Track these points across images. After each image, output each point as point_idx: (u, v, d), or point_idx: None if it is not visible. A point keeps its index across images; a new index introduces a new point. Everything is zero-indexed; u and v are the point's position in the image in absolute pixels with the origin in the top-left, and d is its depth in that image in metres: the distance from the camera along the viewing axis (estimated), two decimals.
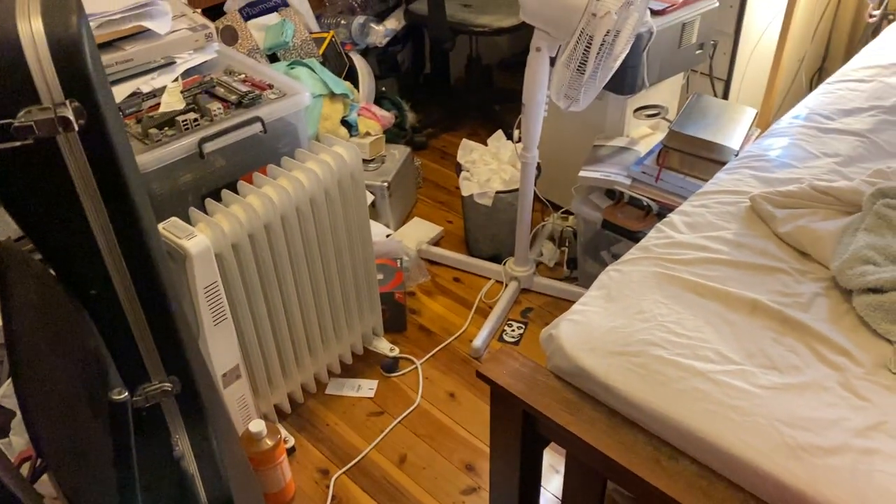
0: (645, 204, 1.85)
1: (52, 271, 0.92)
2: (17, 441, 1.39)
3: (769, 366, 1.09)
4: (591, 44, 1.60)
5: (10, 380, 1.47)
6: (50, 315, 0.93)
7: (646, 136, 2.07)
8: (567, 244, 2.26)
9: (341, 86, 2.38)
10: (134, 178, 0.89)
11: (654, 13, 1.94)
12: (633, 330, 1.16)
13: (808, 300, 1.20)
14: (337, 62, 2.59)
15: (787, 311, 1.17)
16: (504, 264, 2.20)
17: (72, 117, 0.78)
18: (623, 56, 1.70)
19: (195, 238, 1.39)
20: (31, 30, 0.76)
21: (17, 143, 0.78)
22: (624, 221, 1.86)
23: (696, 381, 1.08)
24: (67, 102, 0.78)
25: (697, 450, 1.04)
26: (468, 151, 2.29)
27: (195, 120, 1.57)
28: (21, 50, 0.75)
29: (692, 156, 1.80)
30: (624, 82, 1.92)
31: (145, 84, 1.73)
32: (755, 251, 1.30)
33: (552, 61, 1.72)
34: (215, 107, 1.61)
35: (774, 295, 1.20)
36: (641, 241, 1.37)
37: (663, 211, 1.82)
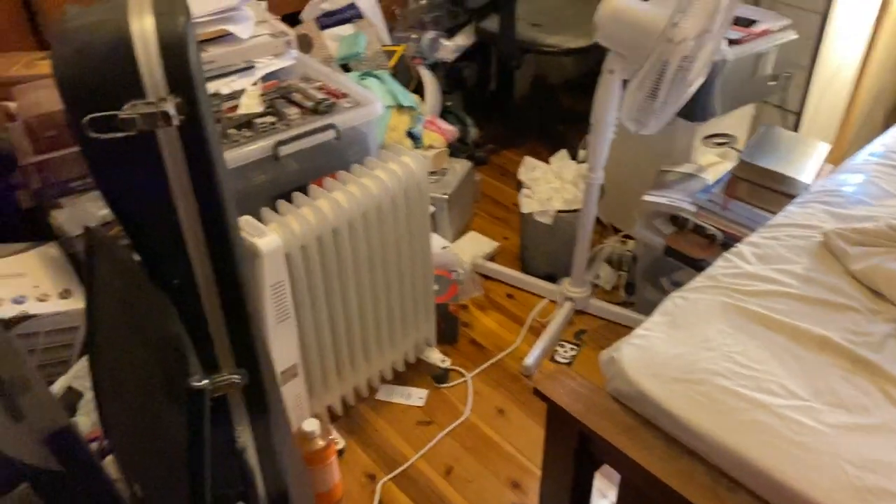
0: (710, 232, 1.83)
1: (137, 259, 0.95)
2: (84, 421, 1.44)
3: (837, 404, 1.07)
4: (665, 69, 1.60)
5: (80, 361, 1.53)
6: (132, 300, 0.97)
7: (713, 165, 2.05)
8: (625, 268, 2.25)
9: (409, 98, 2.41)
10: (223, 175, 0.93)
11: (731, 42, 1.92)
12: (698, 358, 1.15)
13: (881, 340, 1.17)
14: (406, 75, 2.63)
15: (858, 351, 1.14)
16: (560, 284, 2.20)
17: (173, 113, 0.81)
18: (697, 84, 1.70)
19: (267, 237, 1.42)
20: (143, 28, 0.80)
21: (121, 135, 0.82)
22: (687, 249, 1.84)
23: (759, 413, 1.06)
24: (170, 98, 0.82)
25: (757, 483, 1.02)
26: (530, 169, 2.30)
27: (272, 123, 1.62)
28: (132, 46, 0.80)
29: (762, 187, 1.78)
30: (695, 109, 1.91)
31: (225, 86, 1.79)
32: (826, 287, 1.28)
33: (624, 84, 1.72)
34: (292, 112, 1.65)
35: (845, 333, 1.18)
36: (708, 269, 1.36)
37: (728, 241, 1.80)
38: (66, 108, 0.82)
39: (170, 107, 0.81)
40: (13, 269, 1.59)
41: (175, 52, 0.81)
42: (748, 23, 2.00)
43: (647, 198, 1.93)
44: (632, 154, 2.23)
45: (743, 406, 1.07)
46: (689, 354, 1.16)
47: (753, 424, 1.04)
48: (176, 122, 0.82)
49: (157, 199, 0.88)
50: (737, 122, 2.16)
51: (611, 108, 1.76)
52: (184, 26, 0.81)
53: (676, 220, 1.92)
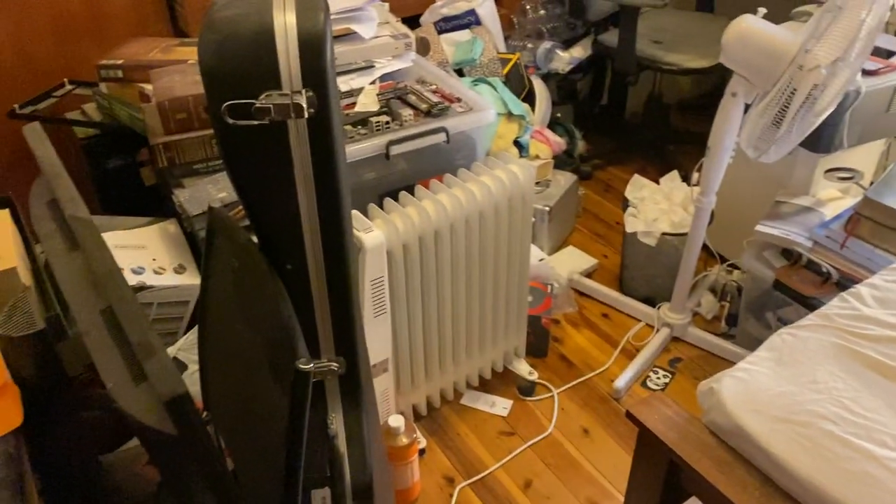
0: (824, 270, 1.74)
1: (255, 241, 1.00)
2: None
3: None
4: (792, 96, 1.54)
5: (187, 335, 1.61)
6: (247, 280, 1.01)
7: (834, 200, 1.95)
8: (729, 299, 2.17)
9: (520, 107, 2.41)
10: (343, 169, 0.95)
11: (866, 73, 1.83)
12: (804, 399, 1.10)
13: None
14: (518, 84, 2.63)
15: None
16: (658, 308, 2.15)
17: (305, 105, 0.85)
18: (826, 114, 1.62)
19: (372, 233, 1.46)
20: (285, 22, 0.84)
21: (255, 122, 0.86)
22: (798, 285, 1.76)
23: (868, 464, 1.00)
24: (303, 91, 0.85)
25: None
26: (638, 188, 2.25)
27: (386, 123, 1.66)
28: (274, 40, 0.83)
29: (887, 227, 1.68)
30: (820, 140, 1.83)
31: (344, 83, 1.84)
32: None
33: (746, 108, 1.67)
34: (406, 113, 1.68)
35: None
36: (822, 308, 1.30)
37: (844, 281, 1.71)
38: (207, 93, 0.86)
39: (303, 99, 0.84)
40: (135, 241, 1.68)
41: (312, 48, 0.84)
42: (888, 54, 1.90)
43: (759, 228, 1.86)
44: (747, 181, 2.15)
45: (850, 454, 1.01)
46: (795, 394, 1.11)
47: (861, 475, 0.99)
48: (307, 114, 0.85)
49: (281, 187, 0.91)
50: (864, 157, 2.05)
51: (730, 132, 1.70)
52: (323, 23, 0.84)
53: (789, 254, 1.84)
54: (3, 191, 1.41)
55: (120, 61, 1.92)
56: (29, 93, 2.09)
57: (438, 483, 1.74)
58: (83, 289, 0.83)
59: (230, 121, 0.85)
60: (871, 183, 1.85)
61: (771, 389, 1.13)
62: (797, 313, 1.70)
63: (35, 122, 1.11)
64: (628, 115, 3.24)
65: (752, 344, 1.26)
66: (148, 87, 1.84)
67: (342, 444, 1.12)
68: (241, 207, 1.53)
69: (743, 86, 1.63)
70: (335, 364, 1.05)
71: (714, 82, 3.21)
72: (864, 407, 1.09)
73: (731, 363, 1.21)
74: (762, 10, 1.58)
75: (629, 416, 1.19)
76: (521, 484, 1.73)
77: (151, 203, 2.00)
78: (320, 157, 0.90)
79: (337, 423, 1.13)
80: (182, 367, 1.56)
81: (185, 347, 1.58)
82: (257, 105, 0.84)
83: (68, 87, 2.13)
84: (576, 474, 1.76)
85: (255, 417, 1.04)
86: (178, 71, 1.81)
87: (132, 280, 1.55)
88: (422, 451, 1.79)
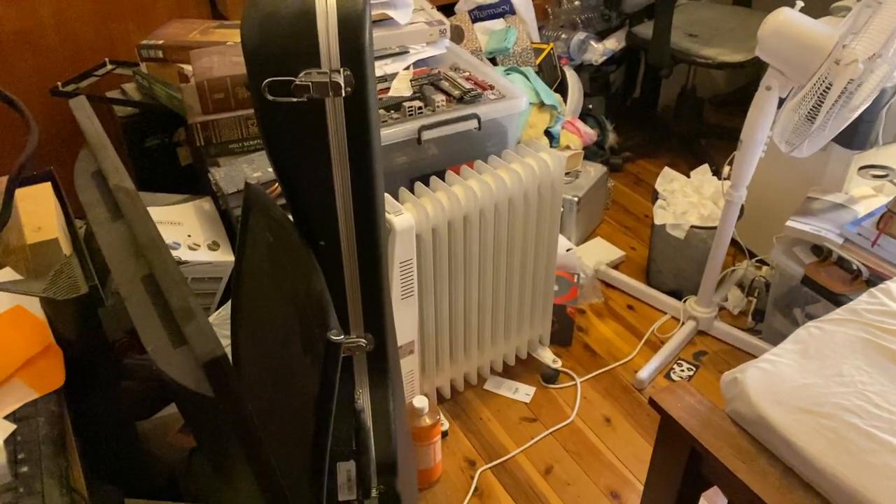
0: (855, 267, 1.73)
1: (290, 218, 1.02)
2: None
3: None
4: (827, 91, 1.53)
5: (219, 310, 1.65)
6: (281, 255, 1.04)
7: (867, 197, 1.93)
8: (756, 294, 2.16)
9: (552, 97, 2.42)
10: (377, 149, 0.98)
11: None
12: (829, 392, 1.10)
13: None
14: (551, 74, 2.63)
15: None
16: (684, 301, 2.14)
17: (342, 84, 0.87)
18: (861, 110, 1.61)
19: (402, 216, 1.48)
20: (326, 2, 0.86)
21: (294, 100, 0.88)
22: (827, 281, 1.75)
23: (891, 458, 1.00)
24: (342, 70, 0.87)
25: None
26: (668, 180, 2.25)
27: (419, 108, 1.67)
28: (314, 19, 0.85)
29: None
30: (855, 137, 1.81)
31: (378, 68, 1.86)
32: None
33: (781, 102, 1.66)
34: (439, 99, 1.70)
35: None
36: (850, 303, 1.29)
37: (874, 278, 1.70)
38: (248, 69, 0.89)
39: (341, 78, 0.86)
40: (171, 217, 1.72)
41: (352, 28, 0.86)
42: None
43: (790, 223, 1.85)
44: (778, 176, 2.14)
45: (874, 448, 1.01)
46: (820, 386, 1.11)
47: (884, 469, 0.99)
48: (344, 92, 0.87)
49: (317, 164, 0.94)
50: None
51: (764, 126, 1.69)
52: (363, 4, 0.86)
53: (819, 251, 1.83)
54: (46, 166, 1.45)
55: (160, 42, 1.96)
56: (71, 71, 2.14)
57: (460, 465, 1.76)
58: (125, 257, 0.87)
59: (270, 98, 0.87)
60: None
61: (795, 381, 1.13)
62: (825, 310, 1.69)
63: (81, 96, 1.14)
64: (660, 109, 3.23)
65: (779, 340, 1.26)
66: (187, 68, 1.87)
67: (368, 419, 1.15)
68: (276, 185, 1.57)
69: (778, 79, 1.62)
70: (364, 340, 1.08)
71: (748, 77, 3.17)
72: (889, 401, 1.08)
73: (755, 358, 1.21)
74: (800, 4, 1.57)
75: (652, 402, 1.20)
76: (542, 469, 1.75)
77: (186, 183, 2.04)
78: (356, 136, 0.92)
79: (364, 399, 1.15)
80: None
81: (218, 322, 1.62)
82: (297, 83, 0.87)
83: (109, 66, 2.18)
84: (596, 462, 1.77)
85: (284, 390, 1.07)
86: (217, 52, 1.84)
87: None
88: (444, 433, 1.82)
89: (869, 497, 0.97)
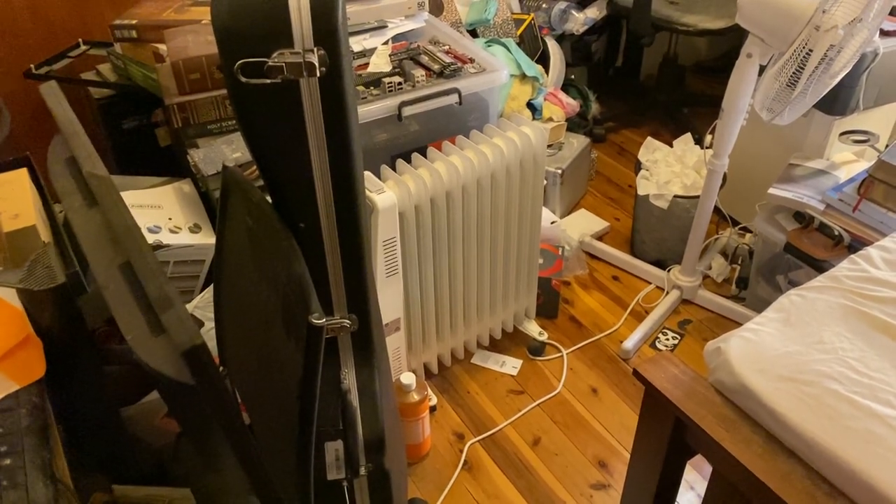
0: (836, 233, 1.74)
1: (269, 200, 1.01)
2: None
3: None
4: (808, 57, 1.52)
5: (203, 292, 1.64)
6: (261, 238, 1.03)
7: (848, 163, 1.94)
8: (740, 262, 2.17)
9: (533, 69, 2.40)
10: (355, 128, 0.96)
11: (884, 34, 1.80)
12: (810, 359, 1.11)
13: None
14: (532, 45, 2.61)
15: None
16: (668, 271, 2.16)
17: (317, 64, 0.85)
18: (841, 75, 1.61)
19: (384, 193, 1.47)
20: None
21: (267, 81, 0.86)
22: (809, 248, 1.76)
23: (871, 422, 1.02)
24: (315, 50, 0.86)
25: (860, 493, 0.98)
26: (651, 150, 2.24)
27: (399, 84, 1.66)
28: None
29: None
30: (836, 102, 1.81)
31: (357, 44, 1.84)
32: None
33: (761, 70, 1.65)
34: (419, 73, 1.68)
35: None
36: (832, 270, 1.30)
37: (855, 244, 1.71)
38: (220, 51, 0.87)
39: (315, 58, 0.85)
40: (151, 201, 1.71)
41: (324, 6, 0.84)
42: None
43: (772, 191, 1.86)
44: (760, 144, 2.14)
45: (854, 413, 1.03)
46: (801, 354, 1.12)
47: (864, 434, 1.00)
48: (319, 73, 0.86)
49: (294, 146, 0.93)
50: (881, 119, 2.03)
51: (745, 94, 1.69)
52: None
53: (801, 217, 1.84)
54: (22, 150, 1.43)
55: (134, 21, 1.92)
56: (44, 53, 2.10)
57: (449, 439, 1.78)
58: (102, 245, 0.86)
59: (243, 79, 0.86)
60: (887, 146, 1.83)
61: (777, 349, 1.14)
62: (808, 276, 1.70)
63: (52, 81, 1.12)
64: (643, 78, 3.21)
65: (762, 307, 1.27)
66: (162, 48, 1.84)
67: (355, 398, 1.15)
68: (255, 167, 1.55)
69: (758, 47, 1.62)
70: (348, 321, 1.08)
71: (730, 44, 3.17)
72: (869, 367, 1.10)
73: (740, 326, 1.22)
74: None
75: (636, 374, 1.21)
76: (530, 441, 1.77)
77: (166, 163, 2.02)
78: (332, 116, 0.91)
79: (349, 379, 1.15)
80: (199, 324, 1.59)
81: (202, 305, 1.61)
82: (270, 64, 0.85)
83: (83, 47, 2.14)
84: (583, 432, 1.79)
85: (269, 372, 1.07)
86: (192, 31, 1.81)
87: (149, 239, 1.58)
88: (433, 408, 1.83)
89: (850, 462, 0.99)
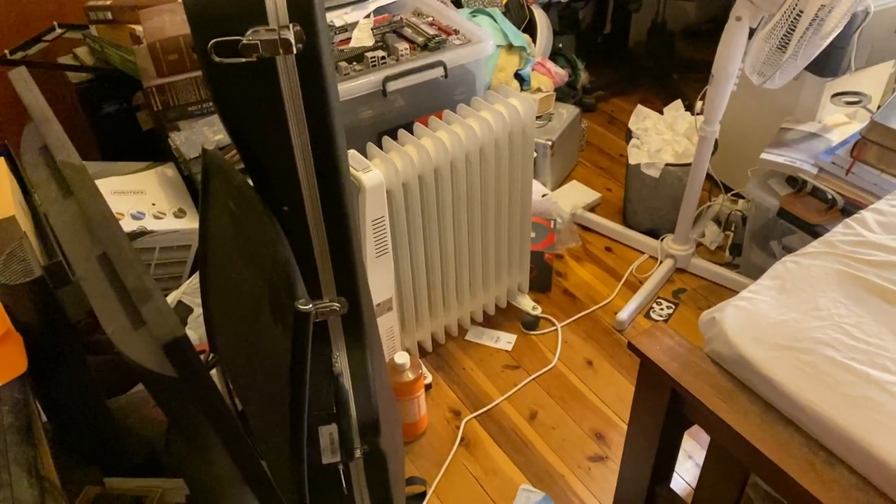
0: (829, 197, 1.72)
1: (250, 183, 0.99)
2: (192, 335, 1.53)
3: None
4: (798, 19, 1.49)
5: (191, 278, 1.61)
6: (244, 223, 1.00)
7: (840, 125, 1.92)
8: (733, 228, 2.16)
9: (520, 38, 2.36)
10: (335, 106, 0.94)
11: None
12: (806, 326, 1.10)
13: None
14: (518, 14, 2.56)
15: None
16: (661, 240, 2.14)
17: (293, 41, 0.82)
18: (832, 36, 1.58)
19: (371, 172, 1.44)
20: None
21: (242, 60, 0.83)
22: (803, 212, 1.75)
23: (868, 388, 1.01)
24: (291, 26, 0.82)
25: (859, 460, 0.98)
26: (641, 119, 2.22)
27: (382, 58, 1.62)
28: None
29: (894, 152, 1.65)
30: (827, 64, 1.78)
31: (338, 18, 1.80)
32: None
33: (751, 32, 1.62)
34: (402, 47, 1.64)
35: None
36: (826, 235, 1.29)
37: (849, 207, 1.70)
38: (192, 31, 0.84)
39: (290, 35, 0.81)
40: (133, 187, 1.68)
41: None
42: None
43: (764, 156, 1.84)
44: (751, 108, 2.12)
45: (852, 380, 1.02)
46: (797, 322, 1.11)
47: (862, 400, 0.99)
48: (295, 49, 0.83)
49: (273, 126, 0.90)
50: (873, 80, 2.00)
51: (735, 58, 1.66)
52: None
53: (794, 182, 1.82)
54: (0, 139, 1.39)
55: (108, 2, 1.88)
56: (18, 38, 2.05)
57: (445, 416, 1.77)
58: (79, 235, 0.83)
59: (217, 59, 0.83)
60: (879, 106, 1.81)
61: (773, 317, 1.13)
62: (802, 241, 1.69)
63: (21, 67, 1.09)
64: (632, 44, 3.17)
65: (757, 273, 1.26)
66: (138, 29, 1.80)
67: (347, 381, 1.14)
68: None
69: (748, 9, 1.59)
70: (337, 304, 1.06)
71: (720, 7, 3.12)
72: (865, 332, 1.09)
73: (735, 293, 1.21)
74: None
75: (631, 347, 1.20)
76: (527, 415, 1.76)
77: (149, 147, 1.98)
78: (311, 93, 0.88)
79: (341, 362, 1.14)
80: (187, 310, 1.57)
81: (190, 291, 1.59)
82: (244, 42, 0.82)
83: (58, 30, 2.09)
84: (580, 405, 1.78)
85: (259, 359, 1.05)
86: (168, 10, 1.77)
87: (132, 225, 1.55)
88: (428, 386, 1.82)
89: (848, 428, 0.98)
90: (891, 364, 1.04)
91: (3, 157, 1.34)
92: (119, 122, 2.07)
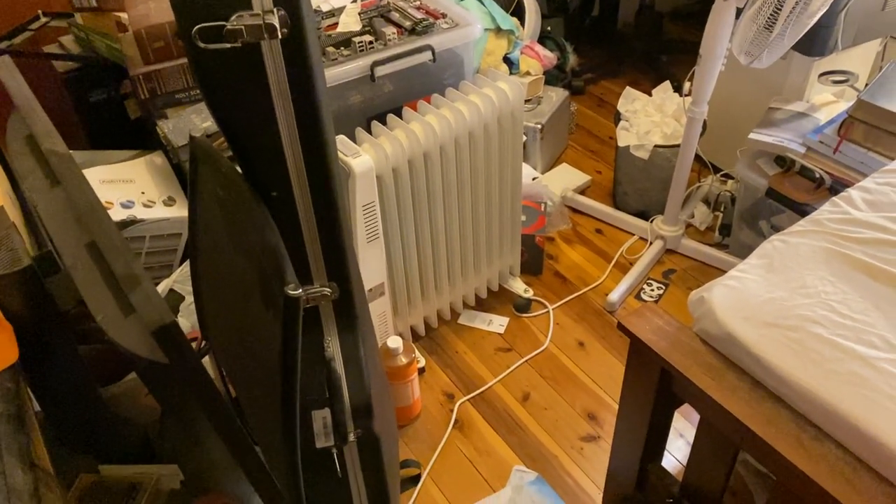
0: (817, 176, 1.73)
1: (239, 169, 0.98)
2: (184, 323, 1.53)
3: None
4: None
5: (182, 266, 1.61)
6: (233, 209, 1.00)
7: (828, 104, 1.92)
8: (722, 209, 2.17)
9: (508, 21, 2.35)
10: (322, 91, 0.93)
11: None
12: (794, 304, 1.11)
13: None
14: None
15: None
16: (651, 222, 2.15)
17: (277, 25, 0.82)
18: (819, 15, 1.58)
19: (360, 157, 1.44)
20: None
21: (227, 45, 0.83)
22: (791, 192, 1.76)
23: (855, 364, 1.02)
24: (275, 11, 0.82)
25: (846, 435, 0.99)
26: (630, 101, 2.22)
27: (370, 43, 1.61)
28: None
29: (881, 130, 1.66)
30: (814, 43, 1.79)
31: (325, 2, 1.79)
32: None
33: (738, 13, 1.62)
34: (390, 31, 1.64)
35: None
36: (813, 213, 1.29)
37: (837, 185, 1.71)
38: (177, 17, 0.83)
39: (275, 19, 0.81)
40: (122, 175, 1.67)
41: None
42: None
43: (752, 136, 1.84)
44: (739, 89, 2.12)
45: (838, 356, 1.03)
46: (785, 299, 1.12)
47: (848, 376, 1.01)
48: (280, 34, 0.82)
49: (260, 112, 0.90)
50: (859, 58, 2.01)
51: (722, 38, 1.66)
52: None
53: (782, 161, 1.83)
54: None
55: None
56: (3, 27, 2.03)
57: (439, 399, 1.78)
58: (67, 224, 0.83)
59: (202, 45, 0.82)
60: (866, 85, 1.82)
61: (761, 296, 1.14)
62: (790, 220, 1.70)
63: (5, 55, 1.08)
64: (620, 26, 3.17)
65: (746, 253, 1.26)
66: (123, 16, 1.78)
67: (339, 366, 1.14)
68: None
69: None
70: (327, 289, 1.06)
71: None
72: (852, 309, 1.10)
73: (724, 273, 1.22)
74: None
75: (621, 327, 1.21)
76: (520, 397, 1.78)
77: (139, 135, 1.97)
78: (297, 78, 0.88)
79: (333, 347, 1.14)
80: (179, 298, 1.58)
81: (181, 279, 1.59)
82: (228, 27, 0.82)
83: (43, 19, 2.07)
84: (572, 385, 1.80)
85: (251, 344, 1.05)
86: None
87: (122, 214, 1.55)
88: (421, 370, 1.83)
89: (835, 404, 0.99)
90: (876, 340, 1.05)
91: None
92: (107, 110, 2.06)
